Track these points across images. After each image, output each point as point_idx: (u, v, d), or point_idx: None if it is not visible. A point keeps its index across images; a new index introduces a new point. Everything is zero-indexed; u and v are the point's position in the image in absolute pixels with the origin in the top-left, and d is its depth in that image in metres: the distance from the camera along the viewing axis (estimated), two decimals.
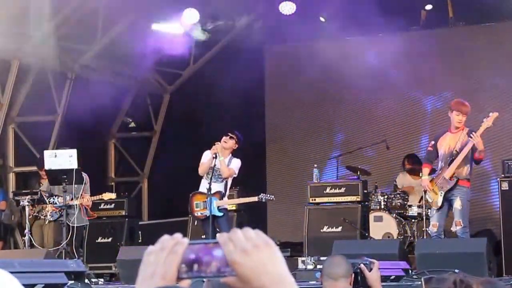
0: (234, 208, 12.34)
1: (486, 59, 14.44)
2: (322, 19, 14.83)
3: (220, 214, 10.49)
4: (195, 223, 10.68)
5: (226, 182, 10.57)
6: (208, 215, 10.44)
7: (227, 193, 10.66)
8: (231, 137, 10.53)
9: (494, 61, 14.30)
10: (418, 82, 15.15)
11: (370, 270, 5.15)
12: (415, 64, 15.11)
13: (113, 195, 11.99)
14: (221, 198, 10.52)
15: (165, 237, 1.62)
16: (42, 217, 11.94)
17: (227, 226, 10.33)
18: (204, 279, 2.33)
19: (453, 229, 10.02)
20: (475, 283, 3.05)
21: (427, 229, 10.33)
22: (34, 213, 11.82)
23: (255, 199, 10.89)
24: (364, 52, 15.46)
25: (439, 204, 10.08)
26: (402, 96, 15.32)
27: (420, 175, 10.71)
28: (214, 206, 10.45)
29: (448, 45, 14.90)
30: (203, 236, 11.41)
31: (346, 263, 5.00)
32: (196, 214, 10.64)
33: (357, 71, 15.55)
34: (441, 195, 10.04)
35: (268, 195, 10.94)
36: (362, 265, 5.13)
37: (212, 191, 10.44)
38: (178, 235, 1.62)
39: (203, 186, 10.54)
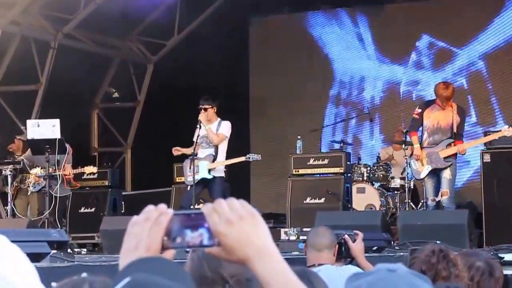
0: None
1: None
2: None
3: (210, 176, 10.51)
4: (188, 188, 10.69)
5: (217, 146, 10.61)
6: (198, 178, 10.50)
7: (222, 156, 10.64)
8: (205, 109, 10.55)
9: None
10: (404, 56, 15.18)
11: (354, 241, 5.18)
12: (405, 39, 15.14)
13: (94, 169, 11.97)
14: (212, 161, 10.58)
15: (150, 207, 1.60)
16: (23, 187, 11.91)
17: (218, 193, 10.32)
18: (189, 250, 2.32)
19: (438, 198, 10.07)
20: (452, 253, 3.09)
21: (428, 203, 10.35)
22: (16, 183, 11.78)
23: (242, 158, 10.94)
24: (351, 24, 15.46)
25: (422, 176, 10.17)
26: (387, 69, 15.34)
27: (403, 146, 10.72)
28: (205, 169, 10.52)
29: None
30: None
31: (331, 234, 5.01)
32: (187, 180, 10.67)
33: (343, 43, 15.56)
34: (427, 169, 10.12)
35: (256, 154, 11.03)
36: (346, 236, 5.16)
37: (204, 155, 10.55)
38: (162, 206, 1.60)
39: (198, 153, 10.65)
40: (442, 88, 10.15)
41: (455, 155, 10.19)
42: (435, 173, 10.15)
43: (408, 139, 10.56)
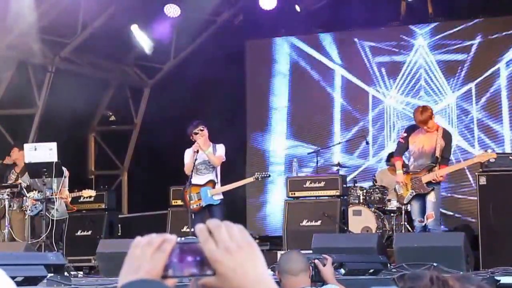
0: None
1: None
2: (297, 9, 14.83)
3: (217, 202, 10.47)
4: (192, 216, 10.59)
5: (216, 170, 10.58)
6: (203, 205, 10.44)
7: (219, 180, 10.58)
8: (201, 130, 10.47)
9: None
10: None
11: (324, 265, 5.25)
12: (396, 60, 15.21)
13: (92, 193, 11.98)
14: (214, 186, 10.51)
15: (153, 235, 1.60)
16: (18, 210, 11.90)
17: (221, 216, 10.21)
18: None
19: (424, 221, 10.08)
20: (450, 279, 3.12)
21: (414, 224, 10.37)
22: (13, 207, 11.78)
23: (251, 179, 10.89)
24: (343, 46, 15.53)
25: (405, 201, 10.18)
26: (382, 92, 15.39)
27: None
28: (209, 195, 10.46)
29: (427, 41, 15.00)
30: (185, 228, 11.43)
31: (303, 258, 5.10)
32: (192, 207, 10.55)
33: (337, 65, 15.63)
34: (411, 194, 10.10)
35: (264, 173, 10.95)
36: (316, 260, 5.23)
37: (205, 181, 10.48)
38: (166, 234, 1.60)
39: (195, 179, 10.54)
40: (418, 111, 10.04)
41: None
42: (421, 196, 10.14)
43: (406, 161, 10.57)
